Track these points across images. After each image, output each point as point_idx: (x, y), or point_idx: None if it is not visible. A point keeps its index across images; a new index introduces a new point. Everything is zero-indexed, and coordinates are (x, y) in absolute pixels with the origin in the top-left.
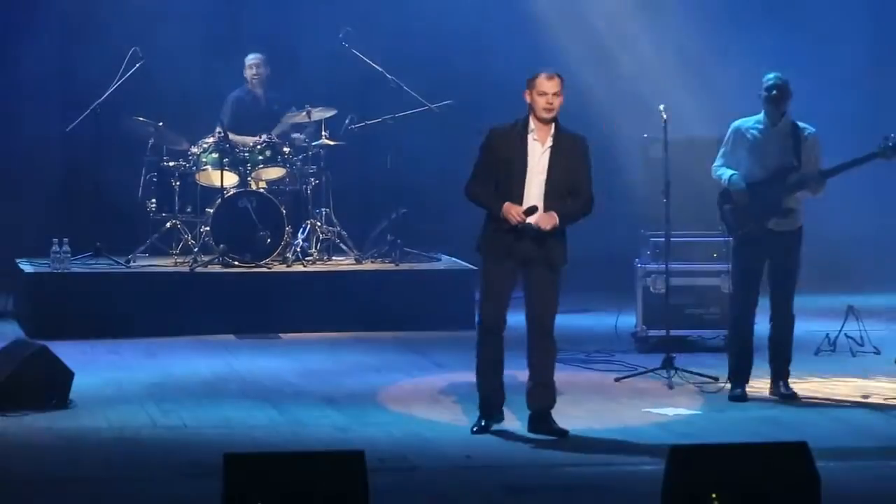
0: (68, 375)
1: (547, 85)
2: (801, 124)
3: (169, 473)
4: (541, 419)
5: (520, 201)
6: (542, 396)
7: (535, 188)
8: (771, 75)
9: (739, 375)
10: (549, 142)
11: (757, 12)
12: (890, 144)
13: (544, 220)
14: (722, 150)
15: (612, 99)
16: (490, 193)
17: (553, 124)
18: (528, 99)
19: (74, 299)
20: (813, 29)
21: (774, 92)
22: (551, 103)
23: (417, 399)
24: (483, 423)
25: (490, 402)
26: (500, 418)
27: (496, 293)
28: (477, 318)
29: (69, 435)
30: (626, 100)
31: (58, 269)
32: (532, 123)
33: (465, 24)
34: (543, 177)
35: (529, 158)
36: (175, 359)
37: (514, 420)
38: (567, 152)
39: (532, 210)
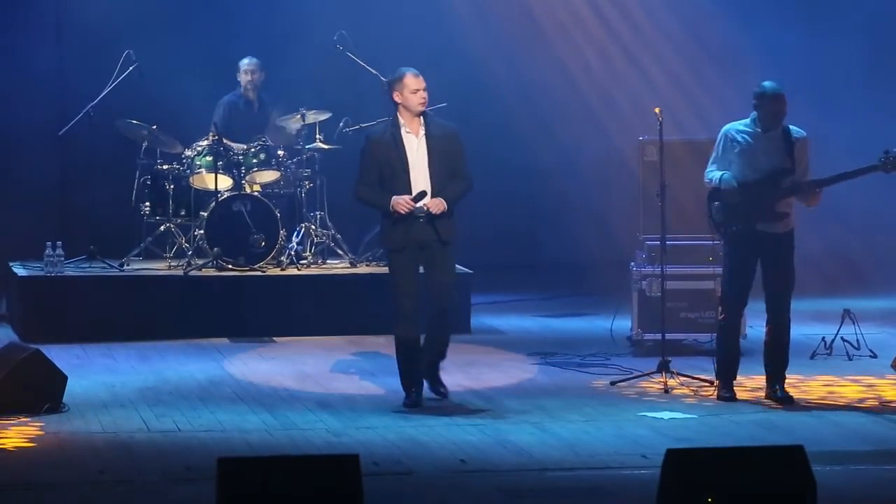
0: (62, 379)
1: (416, 82)
2: (791, 128)
3: (162, 477)
4: (431, 373)
5: (408, 192)
6: (434, 349)
7: (420, 176)
8: (769, 83)
9: (728, 375)
10: (422, 131)
11: (756, 15)
12: (891, 158)
13: (434, 206)
14: (713, 156)
15: (608, 101)
16: (377, 193)
17: (422, 116)
18: (397, 99)
19: (68, 303)
20: (811, 32)
21: (777, 101)
22: (424, 97)
23: None
24: (414, 398)
25: (415, 380)
26: (422, 390)
27: (408, 283)
28: (395, 308)
29: (62, 439)
30: (623, 102)
31: (51, 272)
32: (402, 119)
33: (458, 27)
34: (426, 165)
35: (408, 151)
36: (169, 362)
37: (506, 423)
38: (442, 139)
39: (421, 195)
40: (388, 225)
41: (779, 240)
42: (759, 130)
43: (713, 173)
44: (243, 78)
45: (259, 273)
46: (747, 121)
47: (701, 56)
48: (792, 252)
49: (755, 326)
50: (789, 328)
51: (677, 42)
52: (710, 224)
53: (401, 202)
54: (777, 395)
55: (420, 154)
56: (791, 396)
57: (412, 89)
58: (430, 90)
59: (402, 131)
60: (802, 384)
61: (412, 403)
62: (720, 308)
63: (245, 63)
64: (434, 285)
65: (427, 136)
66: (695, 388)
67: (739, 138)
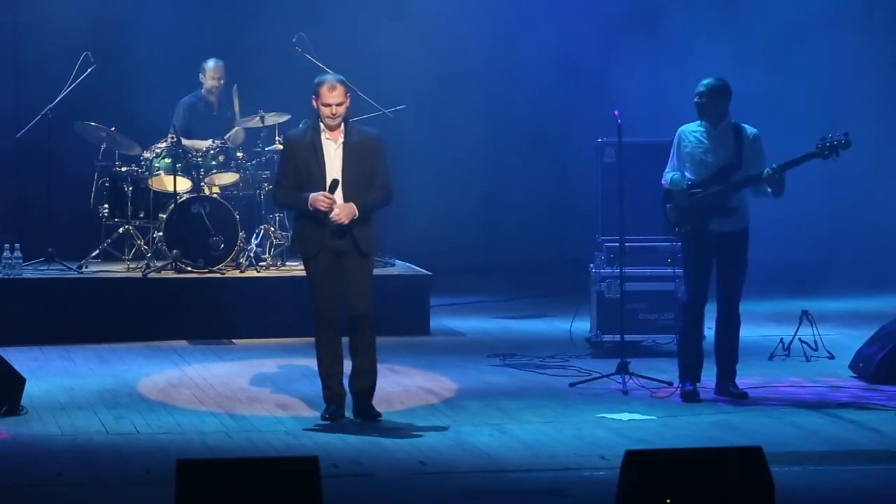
0: (20, 382)
1: (328, 97)
2: (743, 125)
3: (121, 480)
4: (361, 403)
5: None
6: (363, 382)
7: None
8: (703, 81)
9: (690, 373)
10: (342, 138)
11: (710, 19)
12: (828, 144)
13: (344, 212)
14: (670, 157)
15: (568, 102)
16: (294, 194)
17: (343, 124)
18: (314, 105)
19: (26, 305)
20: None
21: (704, 99)
22: (334, 113)
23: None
24: (332, 412)
25: (334, 392)
26: (343, 404)
27: (325, 288)
28: (314, 317)
29: (21, 442)
30: (582, 103)
31: (9, 274)
32: (322, 124)
33: (418, 29)
34: (340, 171)
35: (326, 156)
36: (127, 365)
37: (465, 425)
38: (361, 147)
39: (334, 184)
40: (302, 230)
41: (734, 237)
42: (710, 127)
43: (669, 174)
44: (209, 82)
45: (218, 275)
46: (700, 120)
47: (661, 56)
48: (746, 250)
49: (712, 328)
50: (739, 324)
51: (635, 41)
52: (665, 225)
53: (319, 198)
54: (730, 390)
55: (337, 161)
56: (745, 392)
57: (323, 102)
58: (386, 94)
59: (323, 136)
60: (761, 385)
61: (329, 417)
62: (682, 308)
63: (211, 66)
64: (348, 295)
65: (345, 144)
66: (653, 390)
67: (691, 137)
